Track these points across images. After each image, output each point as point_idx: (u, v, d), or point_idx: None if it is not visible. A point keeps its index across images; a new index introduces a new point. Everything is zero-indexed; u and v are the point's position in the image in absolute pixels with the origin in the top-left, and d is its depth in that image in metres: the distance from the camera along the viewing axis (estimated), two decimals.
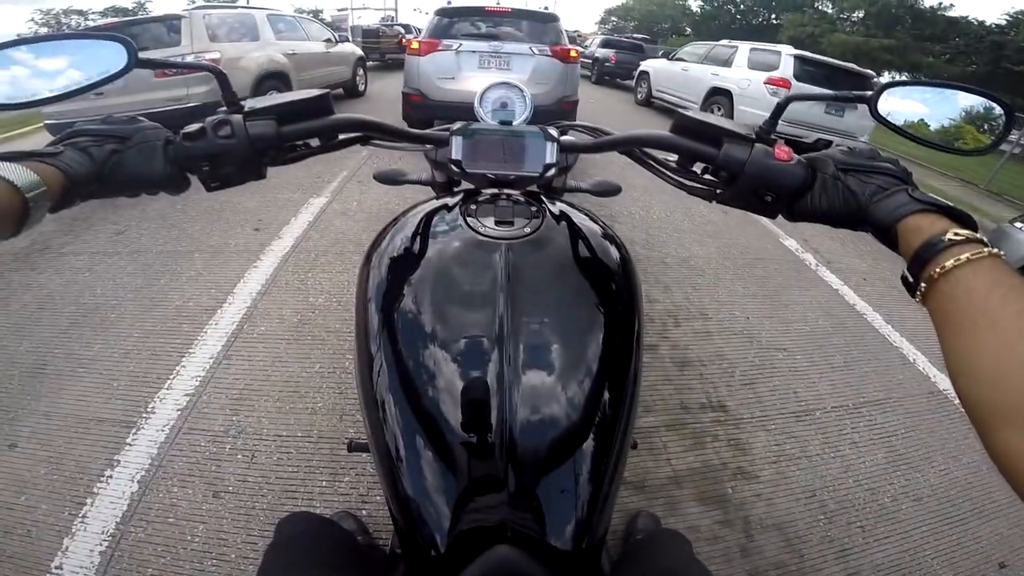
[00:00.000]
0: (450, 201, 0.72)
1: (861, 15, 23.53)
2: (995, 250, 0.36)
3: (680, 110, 0.62)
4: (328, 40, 7.31)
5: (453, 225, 0.66)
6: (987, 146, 0.57)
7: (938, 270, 0.36)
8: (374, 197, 3.51)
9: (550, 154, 0.65)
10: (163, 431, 1.57)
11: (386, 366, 0.54)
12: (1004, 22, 19.00)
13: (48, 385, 1.77)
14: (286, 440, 1.57)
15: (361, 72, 8.41)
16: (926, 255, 0.37)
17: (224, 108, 0.56)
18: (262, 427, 1.61)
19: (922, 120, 0.62)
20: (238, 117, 0.54)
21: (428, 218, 0.69)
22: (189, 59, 4.30)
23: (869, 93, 0.55)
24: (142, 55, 0.52)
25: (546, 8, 5.07)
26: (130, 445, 1.53)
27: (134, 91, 4.06)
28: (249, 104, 0.57)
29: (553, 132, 0.66)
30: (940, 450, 1.84)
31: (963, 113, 0.61)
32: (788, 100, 0.59)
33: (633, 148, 0.67)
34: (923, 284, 0.37)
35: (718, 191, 0.58)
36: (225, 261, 2.63)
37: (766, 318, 2.56)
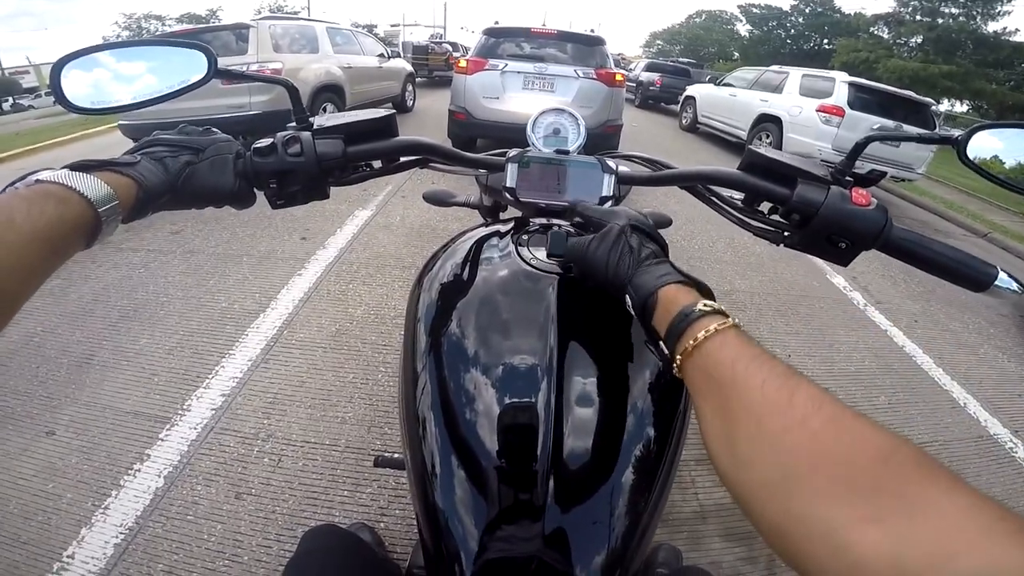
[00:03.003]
0: (502, 228, 0.71)
1: (919, 40, 22.45)
2: (736, 321, 0.38)
3: (750, 146, 0.59)
4: (381, 55, 7.45)
5: (504, 254, 0.65)
6: None
7: (692, 342, 0.37)
8: (416, 213, 3.58)
9: (607, 187, 0.64)
10: (195, 429, 1.61)
11: (430, 385, 0.54)
12: None
13: (93, 376, 1.85)
14: (314, 447, 1.58)
15: (410, 88, 8.56)
16: (682, 325, 0.38)
17: (293, 124, 0.56)
18: (291, 432, 1.63)
19: (996, 157, 0.58)
20: (307, 135, 0.54)
21: (479, 245, 0.68)
22: (254, 67, 4.45)
23: (957, 134, 0.52)
24: (220, 65, 0.52)
25: (592, 31, 5.09)
26: (162, 440, 1.57)
27: (198, 96, 4.17)
28: (318, 122, 0.57)
29: (611, 163, 0.64)
30: (987, 493, 1.72)
31: None
32: (868, 140, 0.55)
33: (696, 184, 0.64)
34: (679, 357, 0.38)
35: (786, 234, 0.55)
36: (272, 267, 2.72)
37: (808, 356, 2.45)
